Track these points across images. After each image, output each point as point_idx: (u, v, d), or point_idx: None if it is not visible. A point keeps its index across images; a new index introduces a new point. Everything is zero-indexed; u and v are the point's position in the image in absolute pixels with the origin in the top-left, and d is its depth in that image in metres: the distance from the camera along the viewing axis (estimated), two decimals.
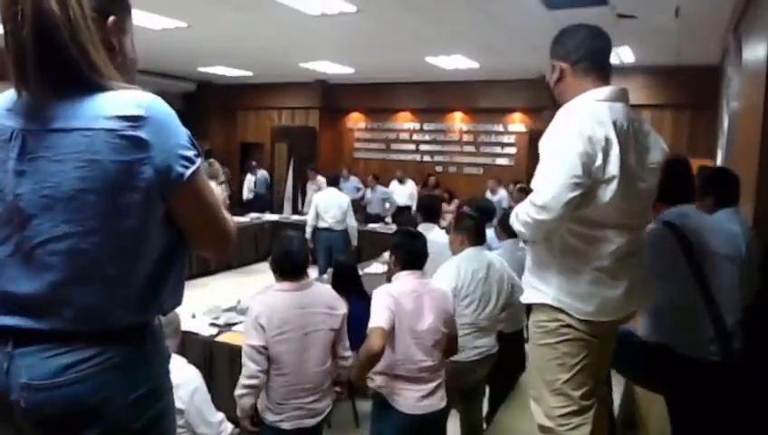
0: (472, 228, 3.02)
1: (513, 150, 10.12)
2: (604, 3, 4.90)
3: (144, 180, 0.99)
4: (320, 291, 2.54)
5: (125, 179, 0.98)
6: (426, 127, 11.12)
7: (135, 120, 0.98)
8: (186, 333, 3.14)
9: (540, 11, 5.08)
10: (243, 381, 2.36)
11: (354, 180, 9.76)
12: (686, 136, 8.44)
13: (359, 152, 11.76)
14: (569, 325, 1.76)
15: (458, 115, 10.72)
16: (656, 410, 2.33)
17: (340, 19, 5.88)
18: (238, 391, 2.37)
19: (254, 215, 9.41)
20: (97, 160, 0.97)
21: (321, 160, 11.54)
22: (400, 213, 8.99)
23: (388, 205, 9.14)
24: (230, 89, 12.04)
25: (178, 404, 2.21)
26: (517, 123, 10.07)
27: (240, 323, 3.71)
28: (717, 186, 2.42)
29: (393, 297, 2.39)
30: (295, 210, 10.77)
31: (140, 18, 6.15)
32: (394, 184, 9.64)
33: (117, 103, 0.99)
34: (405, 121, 11.32)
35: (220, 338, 3.50)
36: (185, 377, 2.27)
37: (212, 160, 9.44)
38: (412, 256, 2.56)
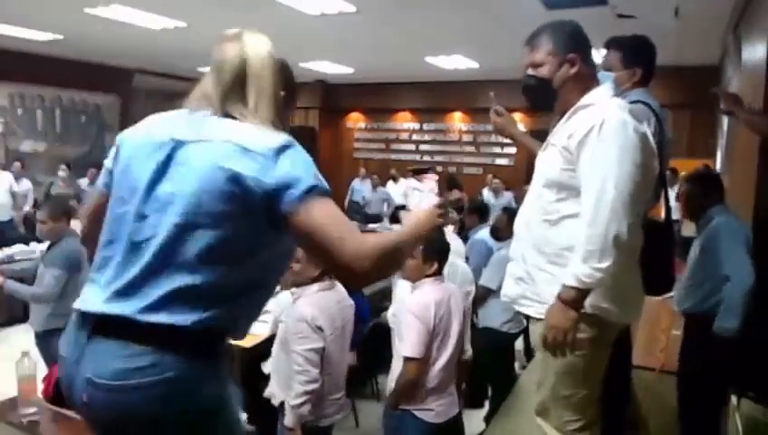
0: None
1: (512, 150, 10.12)
2: (604, 3, 4.90)
3: (254, 208, 1.07)
4: (340, 285, 2.55)
5: (235, 205, 1.06)
6: (425, 127, 11.13)
7: (266, 147, 1.08)
8: None
9: (540, 11, 5.08)
10: (304, 387, 2.29)
11: (368, 182, 9.69)
12: (685, 136, 8.44)
13: (358, 152, 11.76)
14: (600, 335, 1.69)
15: (458, 115, 10.73)
16: (656, 410, 2.33)
17: (339, 19, 5.88)
18: (298, 400, 2.28)
19: None
20: (217, 180, 1.06)
21: (321, 160, 11.55)
22: (397, 212, 9.02)
23: (387, 205, 9.15)
24: None
25: None
26: (517, 123, 10.05)
27: None
28: None
29: (422, 322, 2.31)
30: None
31: (140, 18, 6.15)
32: (389, 183, 9.64)
33: (252, 137, 1.10)
34: (405, 121, 11.32)
35: None
36: None
37: None
38: (443, 250, 2.45)
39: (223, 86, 1.16)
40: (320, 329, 2.33)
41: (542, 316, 1.69)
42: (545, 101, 1.78)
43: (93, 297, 1.10)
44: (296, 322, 2.35)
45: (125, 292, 1.06)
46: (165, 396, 1.04)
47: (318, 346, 2.30)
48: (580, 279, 1.53)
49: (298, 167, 1.08)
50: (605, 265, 1.50)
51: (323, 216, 1.06)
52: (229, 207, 1.06)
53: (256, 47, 1.20)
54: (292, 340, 2.34)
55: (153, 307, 1.04)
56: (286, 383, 2.39)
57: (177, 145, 1.12)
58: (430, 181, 1.49)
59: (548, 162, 1.73)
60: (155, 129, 1.20)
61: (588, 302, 1.61)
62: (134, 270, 1.07)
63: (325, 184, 1.11)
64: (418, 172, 1.52)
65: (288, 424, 2.32)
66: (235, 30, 1.24)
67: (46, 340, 3.28)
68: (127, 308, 1.05)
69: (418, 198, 1.48)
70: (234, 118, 1.14)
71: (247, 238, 1.09)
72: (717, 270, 2.53)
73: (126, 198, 1.13)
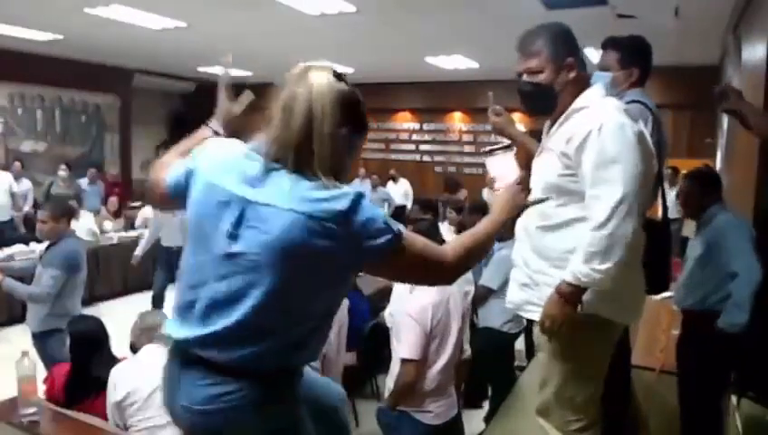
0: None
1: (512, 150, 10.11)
2: (604, 3, 4.90)
3: (331, 264, 1.15)
4: None
5: (315, 261, 1.13)
6: (425, 127, 11.13)
7: (335, 213, 1.12)
8: None
9: (540, 11, 5.08)
10: None
11: (368, 182, 9.72)
12: (685, 136, 8.45)
13: None
14: (605, 336, 1.70)
15: (458, 115, 10.72)
16: (656, 410, 2.33)
17: (339, 19, 5.88)
18: None
19: None
20: (295, 239, 1.11)
21: None
22: (397, 212, 9.02)
23: (387, 205, 9.14)
24: (230, 89, 12.00)
25: None
26: (517, 123, 10.05)
27: None
28: None
29: (419, 324, 2.30)
30: None
31: (140, 18, 6.15)
32: (389, 183, 9.63)
33: (323, 196, 1.13)
34: (404, 121, 11.32)
35: None
36: None
37: None
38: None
39: (288, 133, 1.17)
40: None
41: None
42: (546, 107, 1.77)
43: (184, 333, 1.22)
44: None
45: (210, 340, 1.18)
46: (244, 418, 1.19)
47: None
48: (579, 278, 1.56)
49: (370, 224, 1.14)
50: (605, 266, 1.53)
51: (405, 260, 1.19)
52: (305, 272, 1.14)
53: (319, 87, 1.19)
54: None
55: (236, 355, 1.16)
56: None
57: (246, 205, 1.16)
58: (508, 160, 1.53)
59: (545, 167, 1.73)
60: (223, 173, 1.21)
61: (594, 304, 1.62)
62: (216, 325, 1.17)
63: (396, 227, 1.18)
64: (495, 152, 1.56)
65: None
66: (302, 67, 1.25)
67: (43, 340, 3.28)
68: (212, 353, 1.18)
69: (499, 177, 1.54)
70: (300, 169, 1.16)
71: (323, 294, 1.20)
72: (723, 267, 2.54)
73: (204, 248, 1.20)
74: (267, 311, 1.14)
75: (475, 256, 1.37)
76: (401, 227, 1.20)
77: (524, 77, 1.75)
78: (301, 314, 1.18)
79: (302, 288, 1.16)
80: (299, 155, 1.15)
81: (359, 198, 1.14)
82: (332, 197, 1.12)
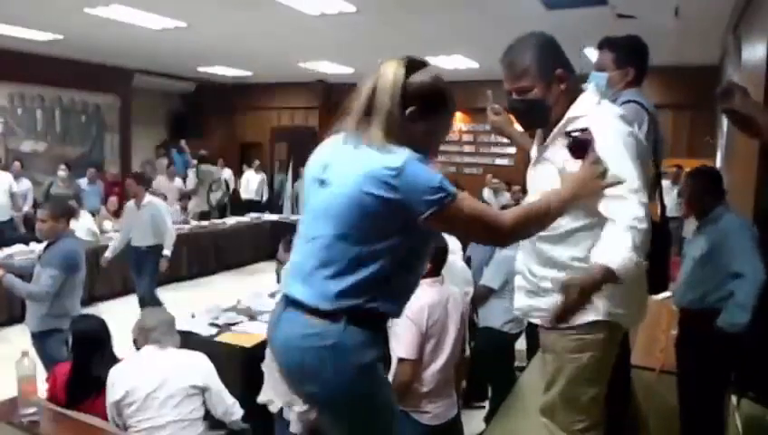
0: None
1: (512, 150, 10.11)
2: (604, 3, 4.90)
3: (391, 212, 1.35)
4: None
5: (378, 209, 1.34)
6: None
7: (389, 168, 1.33)
8: (185, 332, 3.14)
9: (539, 11, 5.07)
10: None
11: None
12: (685, 136, 8.45)
13: None
14: (611, 337, 1.70)
15: (458, 115, 10.72)
16: (656, 410, 2.33)
17: (339, 19, 5.88)
18: (306, 405, 2.25)
19: (253, 215, 9.42)
20: (364, 192, 1.34)
21: None
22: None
23: None
24: (230, 89, 12.03)
25: (201, 381, 2.36)
26: (517, 123, 10.05)
27: (239, 323, 3.71)
28: None
29: (415, 324, 2.29)
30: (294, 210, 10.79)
31: (140, 18, 6.15)
32: None
33: (381, 157, 1.35)
34: None
35: (220, 338, 3.50)
36: (200, 361, 2.45)
37: (204, 166, 9.49)
38: (440, 250, 2.38)
39: (355, 114, 1.44)
40: None
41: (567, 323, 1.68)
42: (540, 121, 1.77)
43: (288, 281, 1.48)
44: None
45: (302, 281, 1.42)
46: (325, 356, 1.37)
47: None
48: (624, 266, 1.48)
49: (422, 180, 1.33)
50: (641, 260, 1.51)
51: (462, 218, 1.37)
52: (369, 221, 1.35)
53: (385, 74, 1.44)
54: None
55: (321, 296, 1.38)
56: (286, 389, 2.37)
57: (327, 171, 1.44)
58: (585, 142, 1.54)
59: (544, 178, 1.72)
60: (316, 157, 1.52)
61: (602, 308, 1.62)
62: (307, 266, 1.42)
63: (453, 189, 1.35)
64: (573, 134, 1.57)
65: (297, 432, 2.31)
66: (380, 61, 1.49)
67: (42, 340, 3.28)
68: (305, 294, 1.41)
69: (572, 160, 1.56)
70: (370, 141, 1.38)
71: (384, 240, 1.37)
72: (725, 267, 2.54)
73: (305, 213, 1.51)
74: (345, 251, 1.37)
75: (533, 226, 1.50)
76: (459, 191, 1.37)
77: (514, 95, 1.74)
78: (372, 255, 1.36)
79: (370, 232, 1.36)
80: (364, 131, 1.39)
81: (412, 158, 1.34)
82: (389, 157, 1.34)
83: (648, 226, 1.51)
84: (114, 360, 2.55)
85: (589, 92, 1.73)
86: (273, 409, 2.43)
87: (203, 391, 2.37)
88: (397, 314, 1.50)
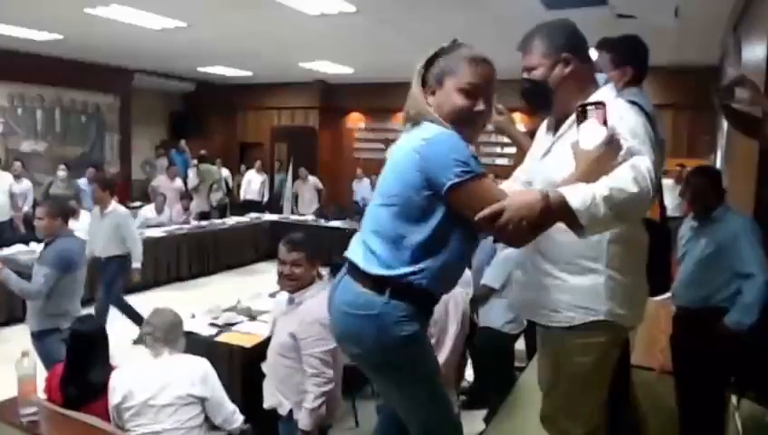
0: None
1: (512, 150, 10.11)
2: (604, 3, 4.90)
3: (423, 182, 1.42)
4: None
5: (414, 181, 1.43)
6: None
7: (421, 139, 1.44)
8: (185, 333, 3.13)
9: (539, 11, 5.08)
10: (321, 389, 2.31)
11: (367, 182, 9.76)
12: (685, 136, 8.45)
13: (358, 152, 11.76)
14: (612, 339, 1.68)
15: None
16: (656, 411, 2.33)
17: (339, 19, 5.88)
18: (317, 402, 2.30)
19: (253, 215, 9.42)
20: (403, 163, 1.47)
21: (321, 160, 11.55)
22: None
23: None
24: (230, 89, 12.04)
25: (202, 392, 2.31)
26: (517, 123, 10.05)
27: (239, 323, 3.71)
28: None
29: None
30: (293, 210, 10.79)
31: (140, 18, 6.16)
32: None
33: (418, 132, 1.48)
34: None
35: (220, 338, 3.50)
36: (203, 367, 2.39)
37: (204, 165, 9.48)
38: None
39: (408, 97, 1.59)
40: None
41: (553, 324, 1.68)
42: (543, 103, 1.75)
43: (351, 244, 1.58)
44: (308, 325, 2.32)
45: (359, 244, 1.54)
46: (367, 325, 1.47)
47: (332, 347, 2.27)
48: (585, 203, 1.34)
49: (448, 154, 1.39)
50: (610, 212, 1.34)
51: (476, 198, 1.38)
52: (408, 190, 1.44)
53: (423, 59, 1.58)
54: (305, 344, 2.32)
55: (370, 260, 1.48)
56: (295, 389, 2.38)
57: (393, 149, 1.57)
58: (599, 117, 1.46)
59: (556, 167, 1.64)
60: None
61: (604, 309, 1.61)
62: (365, 231, 1.53)
63: (479, 169, 1.40)
64: (585, 109, 1.50)
65: (307, 428, 2.31)
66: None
67: (41, 340, 3.29)
68: (357, 257, 1.51)
69: (588, 135, 1.48)
70: (416, 122, 1.53)
71: (425, 215, 1.44)
72: (731, 267, 2.55)
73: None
74: (390, 222, 1.46)
75: None
76: (484, 171, 1.41)
77: (523, 74, 1.75)
78: (415, 229, 1.44)
79: (412, 204, 1.44)
80: (410, 113, 1.56)
81: (443, 133, 1.42)
82: (426, 131, 1.45)
83: (641, 191, 1.36)
84: (108, 365, 2.51)
85: (606, 88, 1.71)
86: (283, 411, 2.42)
87: (202, 400, 2.34)
88: (437, 291, 1.54)
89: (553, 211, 1.35)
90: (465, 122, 1.50)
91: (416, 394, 1.58)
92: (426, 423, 1.62)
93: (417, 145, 1.43)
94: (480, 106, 1.51)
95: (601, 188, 1.35)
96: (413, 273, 1.45)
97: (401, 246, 1.46)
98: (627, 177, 1.38)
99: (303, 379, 2.33)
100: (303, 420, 2.31)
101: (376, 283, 1.47)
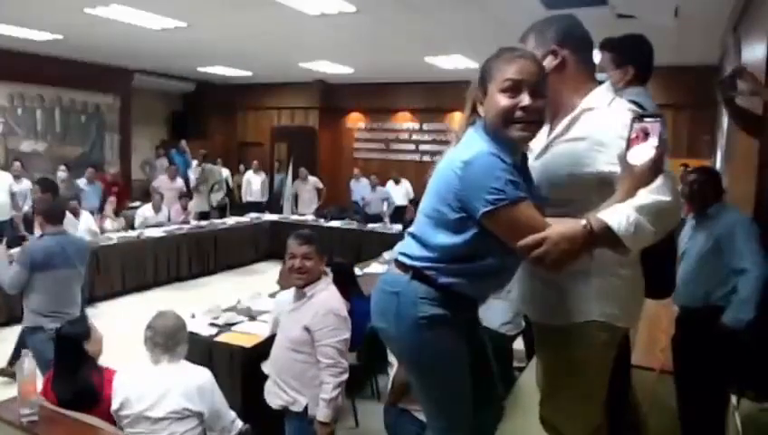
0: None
1: None
2: (604, 3, 4.90)
3: (457, 202, 1.46)
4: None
5: (448, 199, 1.49)
6: (425, 127, 11.12)
7: (459, 160, 1.45)
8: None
9: (539, 11, 5.08)
10: (338, 379, 2.35)
11: (365, 181, 9.77)
12: (685, 136, 8.44)
13: (358, 152, 11.75)
14: (610, 339, 1.67)
15: (458, 115, 10.70)
16: (656, 411, 2.33)
17: (339, 19, 5.88)
18: (335, 391, 2.34)
19: (253, 215, 9.42)
20: (441, 180, 1.52)
21: (321, 160, 11.54)
22: (398, 212, 9.03)
23: (387, 204, 9.15)
24: (230, 89, 12.03)
25: (201, 407, 2.28)
26: None
27: (239, 323, 3.71)
28: None
29: None
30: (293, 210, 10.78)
31: (140, 18, 6.15)
32: (390, 184, 9.64)
33: (459, 149, 1.50)
34: (404, 121, 11.32)
35: (220, 338, 3.50)
36: (202, 380, 2.34)
37: (207, 165, 9.47)
38: None
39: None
40: (346, 319, 2.38)
41: (552, 324, 1.70)
42: None
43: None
44: (323, 316, 2.36)
45: (405, 240, 1.65)
46: (390, 301, 1.59)
47: (347, 336, 2.35)
48: (627, 222, 1.35)
49: (485, 177, 1.39)
50: (653, 229, 1.36)
51: (509, 224, 1.39)
52: (444, 208, 1.48)
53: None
54: (320, 335, 2.35)
55: (404, 254, 1.60)
56: (311, 383, 2.40)
57: (438, 163, 1.59)
58: (654, 130, 1.38)
59: (553, 168, 1.63)
60: None
61: (600, 309, 1.60)
62: (406, 236, 1.64)
63: (515, 194, 1.37)
64: (643, 119, 1.42)
65: (325, 419, 2.34)
66: None
67: (28, 336, 3.40)
68: (401, 250, 1.63)
69: (638, 151, 1.40)
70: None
71: (458, 227, 1.48)
72: (728, 263, 2.56)
73: None
74: (427, 229, 1.54)
75: None
76: (521, 196, 1.37)
77: None
78: (445, 244, 1.50)
79: (446, 218, 1.49)
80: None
81: (482, 155, 1.40)
82: (465, 150, 1.44)
83: (675, 200, 1.38)
84: (97, 368, 2.49)
85: (604, 88, 1.67)
86: (298, 408, 2.43)
87: (198, 414, 2.29)
88: (464, 292, 1.56)
89: (597, 240, 1.38)
90: (512, 123, 1.44)
91: (428, 387, 1.65)
92: (434, 428, 1.64)
93: (456, 165, 1.44)
94: (525, 100, 1.43)
95: (641, 205, 1.36)
96: (432, 268, 1.53)
97: (431, 248, 1.53)
98: (663, 188, 1.38)
99: (318, 371, 2.35)
100: (322, 411, 2.33)
101: (402, 266, 1.59)
